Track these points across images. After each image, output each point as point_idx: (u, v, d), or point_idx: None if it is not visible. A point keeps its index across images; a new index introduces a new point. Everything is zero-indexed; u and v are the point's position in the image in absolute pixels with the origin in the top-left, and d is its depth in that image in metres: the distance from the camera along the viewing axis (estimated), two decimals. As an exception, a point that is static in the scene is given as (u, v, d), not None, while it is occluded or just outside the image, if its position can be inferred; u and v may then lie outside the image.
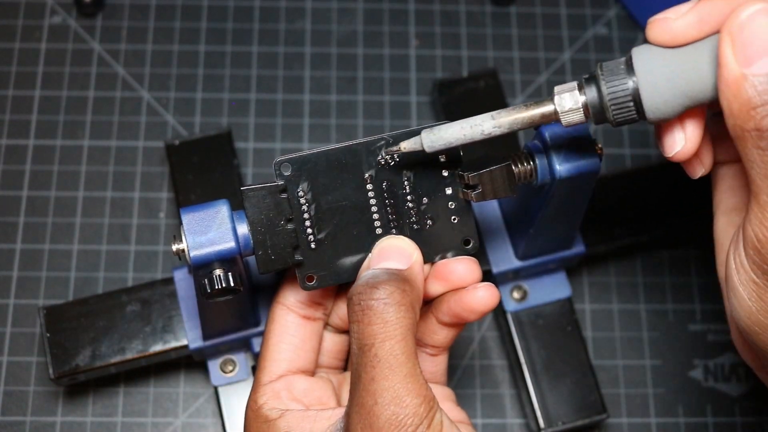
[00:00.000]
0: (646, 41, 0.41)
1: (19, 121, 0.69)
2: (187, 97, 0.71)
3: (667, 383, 0.64)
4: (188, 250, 0.47)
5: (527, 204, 0.55)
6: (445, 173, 0.49)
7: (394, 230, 0.49)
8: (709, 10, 0.38)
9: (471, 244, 0.50)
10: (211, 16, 0.73)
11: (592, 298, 0.66)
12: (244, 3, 0.74)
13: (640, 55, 0.40)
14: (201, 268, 0.48)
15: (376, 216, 0.48)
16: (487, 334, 0.65)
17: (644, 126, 0.71)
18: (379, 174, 0.48)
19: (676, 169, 0.65)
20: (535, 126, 0.43)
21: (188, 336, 0.57)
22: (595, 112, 0.42)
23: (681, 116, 0.41)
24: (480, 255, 0.60)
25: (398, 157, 0.48)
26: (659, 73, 0.39)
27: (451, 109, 0.67)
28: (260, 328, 0.57)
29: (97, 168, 0.68)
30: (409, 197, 0.48)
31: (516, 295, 0.62)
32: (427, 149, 0.44)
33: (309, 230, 0.48)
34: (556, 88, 0.42)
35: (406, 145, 0.45)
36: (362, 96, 0.71)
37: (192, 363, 0.63)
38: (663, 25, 0.39)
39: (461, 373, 0.64)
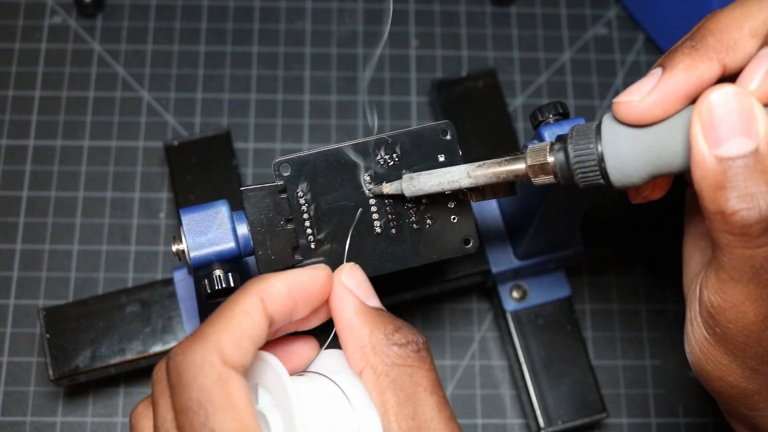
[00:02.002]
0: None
1: (19, 122, 0.69)
2: (187, 98, 0.71)
3: (667, 383, 0.64)
4: (188, 251, 0.48)
5: (527, 204, 0.55)
6: (445, 173, 0.49)
7: (393, 230, 0.49)
8: (672, 86, 0.38)
9: (471, 244, 0.50)
10: (211, 17, 0.73)
11: (592, 297, 0.66)
12: (244, 3, 0.74)
13: (608, 123, 0.40)
14: (201, 269, 0.48)
15: (375, 216, 0.48)
16: (487, 334, 0.65)
17: (644, 126, 0.71)
18: (379, 174, 0.48)
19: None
20: (508, 181, 0.44)
21: (188, 336, 0.57)
22: (563, 175, 0.42)
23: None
24: (479, 254, 0.60)
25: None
26: (625, 145, 0.39)
27: (450, 109, 0.67)
28: (260, 329, 0.57)
29: (97, 168, 0.68)
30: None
31: (516, 294, 0.62)
32: (407, 195, 0.46)
33: (309, 230, 0.48)
34: (529, 147, 0.43)
35: (388, 189, 0.47)
36: (362, 96, 0.71)
37: (192, 363, 0.63)
38: (627, 107, 0.39)
39: (461, 374, 0.64)
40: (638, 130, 0.39)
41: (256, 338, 0.39)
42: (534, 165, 0.42)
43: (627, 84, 0.72)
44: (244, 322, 0.39)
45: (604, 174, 0.40)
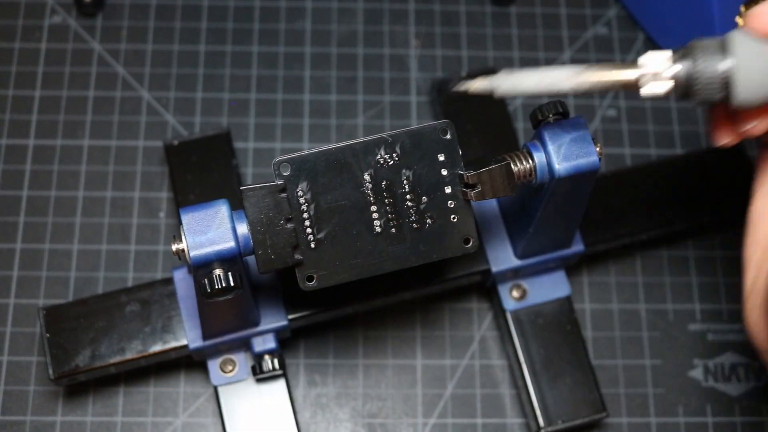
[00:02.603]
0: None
1: (19, 121, 0.69)
2: (187, 97, 0.71)
3: (666, 383, 0.64)
4: (188, 250, 0.48)
5: (526, 203, 0.55)
6: (445, 172, 0.49)
7: (393, 230, 0.49)
8: None
9: (471, 243, 0.50)
10: (211, 16, 0.73)
11: (591, 297, 0.66)
12: (244, 3, 0.74)
13: (739, 39, 0.40)
14: (201, 268, 0.48)
15: (375, 215, 0.48)
16: (487, 333, 0.65)
17: (644, 125, 0.71)
18: (379, 173, 0.48)
19: (675, 168, 0.65)
20: (615, 90, 0.43)
21: (188, 336, 0.58)
22: (681, 88, 0.42)
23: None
24: (479, 254, 0.60)
25: (396, 156, 0.47)
26: (758, 61, 0.40)
27: (450, 109, 0.67)
28: (259, 328, 0.58)
29: (97, 168, 0.68)
30: (408, 196, 0.49)
31: (515, 294, 0.62)
32: (498, 94, 0.43)
33: (309, 230, 0.48)
34: (647, 54, 0.42)
35: (477, 86, 0.44)
36: (362, 96, 0.71)
37: (192, 363, 0.63)
38: (765, 18, 0.39)
39: (461, 373, 0.64)
40: None
41: None
42: (650, 73, 0.41)
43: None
44: None
45: (726, 90, 0.40)
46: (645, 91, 0.42)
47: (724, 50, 0.41)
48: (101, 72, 0.71)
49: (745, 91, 0.40)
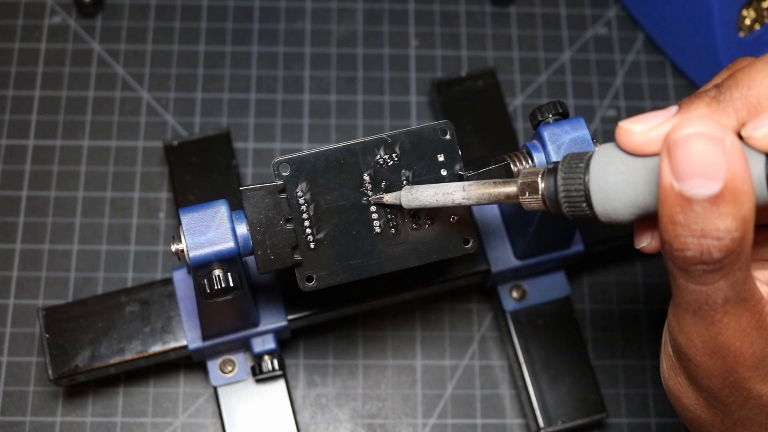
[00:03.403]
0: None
1: (19, 121, 0.69)
2: (187, 97, 0.71)
3: (667, 383, 0.64)
4: (187, 251, 0.48)
5: (526, 204, 0.55)
6: (444, 172, 0.49)
7: (392, 230, 0.49)
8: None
9: (470, 244, 0.50)
10: (211, 16, 0.73)
11: (591, 298, 0.66)
12: (244, 3, 0.74)
13: (599, 155, 0.39)
14: (200, 269, 0.48)
15: (375, 216, 0.48)
16: (487, 334, 0.65)
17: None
18: (378, 174, 0.48)
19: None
20: (500, 203, 0.44)
21: (187, 336, 0.57)
22: (551, 203, 0.41)
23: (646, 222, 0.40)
24: (479, 254, 0.60)
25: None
26: (612, 179, 0.38)
27: (449, 109, 0.67)
28: (259, 328, 0.58)
29: (97, 168, 0.68)
30: (408, 197, 0.49)
31: (515, 294, 0.62)
32: (404, 206, 0.47)
33: (308, 230, 0.48)
34: (523, 172, 0.42)
35: (389, 198, 0.48)
36: (362, 96, 0.71)
37: (192, 363, 0.63)
38: (626, 135, 0.37)
39: (461, 374, 0.64)
40: (630, 160, 0.38)
41: None
42: (525, 189, 0.42)
43: (626, 84, 0.72)
44: None
45: (591, 205, 0.39)
46: (524, 205, 0.42)
47: (587, 166, 0.39)
48: (101, 72, 0.71)
49: (599, 206, 0.38)
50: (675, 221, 0.34)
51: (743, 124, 0.36)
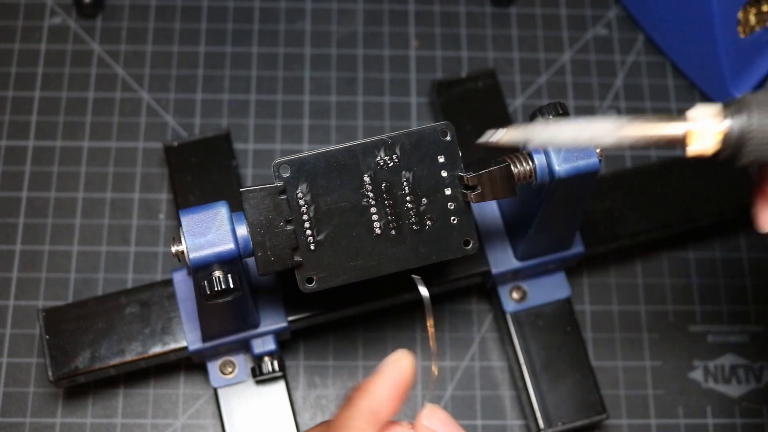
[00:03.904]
0: None
1: (19, 122, 0.69)
2: (187, 98, 0.71)
3: (667, 384, 0.64)
4: (187, 252, 0.47)
5: (527, 204, 0.55)
6: (444, 174, 0.49)
7: (393, 231, 0.49)
8: None
9: (471, 245, 0.50)
10: (211, 17, 0.73)
11: (591, 298, 0.66)
12: (243, 4, 0.74)
13: None
14: (200, 270, 0.48)
15: (375, 217, 0.48)
16: (487, 335, 0.65)
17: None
18: (378, 175, 0.48)
19: (675, 170, 0.65)
20: (659, 146, 0.39)
21: (187, 338, 0.57)
22: (729, 143, 0.38)
23: None
24: (479, 255, 0.60)
25: (398, 160, 0.47)
26: None
27: (449, 110, 0.67)
28: (259, 330, 0.57)
29: (97, 169, 0.68)
30: (408, 198, 0.48)
31: (515, 295, 0.62)
32: (532, 144, 0.41)
33: (308, 231, 0.48)
34: (696, 107, 0.39)
35: (510, 136, 0.40)
36: (362, 97, 0.71)
37: (192, 364, 0.63)
38: None
39: (461, 375, 0.64)
40: None
41: None
42: (699, 130, 0.38)
43: (627, 85, 0.72)
44: None
45: None
46: (692, 149, 0.38)
47: None
48: (101, 73, 0.71)
49: None
50: None
51: None
